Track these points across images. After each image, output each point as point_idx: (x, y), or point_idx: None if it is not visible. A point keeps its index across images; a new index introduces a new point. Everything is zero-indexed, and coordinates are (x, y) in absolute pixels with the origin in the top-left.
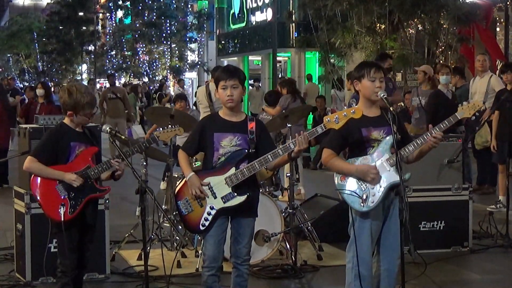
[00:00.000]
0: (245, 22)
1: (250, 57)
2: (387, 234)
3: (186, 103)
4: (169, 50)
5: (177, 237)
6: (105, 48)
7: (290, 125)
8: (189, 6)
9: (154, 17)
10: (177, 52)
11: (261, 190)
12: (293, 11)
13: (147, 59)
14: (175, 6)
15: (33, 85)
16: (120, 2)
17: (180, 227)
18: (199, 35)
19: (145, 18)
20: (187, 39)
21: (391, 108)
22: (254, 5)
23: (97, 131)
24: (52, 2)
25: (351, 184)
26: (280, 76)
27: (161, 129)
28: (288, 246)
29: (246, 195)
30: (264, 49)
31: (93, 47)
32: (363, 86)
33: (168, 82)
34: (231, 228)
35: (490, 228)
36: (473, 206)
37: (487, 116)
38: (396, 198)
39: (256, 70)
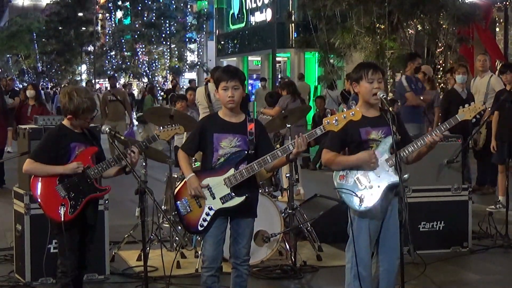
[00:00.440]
0: (244, 22)
1: (250, 58)
2: (386, 234)
3: (186, 103)
4: (168, 50)
5: (176, 238)
6: (104, 49)
7: (289, 125)
8: (189, 6)
9: (154, 18)
10: (176, 52)
11: (260, 191)
12: (293, 11)
13: (147, 59)
14: (174, 6)
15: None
16: (120, 3)
17: (179, 227)
18: (198, 36)
19: (145, 18)
20: (187, 40)
21: (390, 109)
22: (254, 5)
23: (96, 132)
24: (51, 2)
25: (350, 184)
26: (280, 76)
27: (161, 128)
28: (287, 246)
29: (245, 196)
30: (263, 50)
31: (92, 48)
32: (361, 88)
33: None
34: (230, 228)
35: (489, 229)
36: (473, 206)
37: (487, 116)
38: (394, 198)
39: (256, 71)
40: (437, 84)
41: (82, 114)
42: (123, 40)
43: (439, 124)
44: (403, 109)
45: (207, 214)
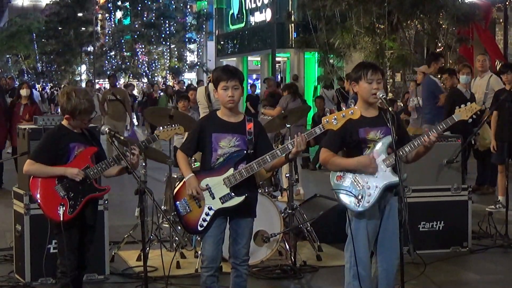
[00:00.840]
0: (244, 22)
1: (249, 58)
2: (384, 234)
3: (189, 103)
4: (168, 50)
5: (176, 238)
6: (104, 49)
7: (289, 125)
8: (188, 6)
9: (153, 18)
10: (176, 52)
11: (260, 191)
12: (292, 11)
13: (146, 59)
14: (174, 6)
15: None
16: (119, 3)
17: (179, 227)
18: (198, 36)
19: (144, 18)
20: (186, 40)
21: (390, 108)
22: (253, 5)
23: (96, 132)
24: (51, 2)
25: (347, 184)
26: (279, 76)
27: (161, 128)
28: (287, 246)
29: (244, 196)
30: (263, 50)
31: (92, 48)
32: (361, 88)
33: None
34: (229, 228)
35: (489, 228)
36: (473, 206)
37: (487, 116)
38: (393, 198)
39: (255, 71)
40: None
41: (79, 115)
42: (122, 41)
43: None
44: (435, 109)
45: (207, 214)
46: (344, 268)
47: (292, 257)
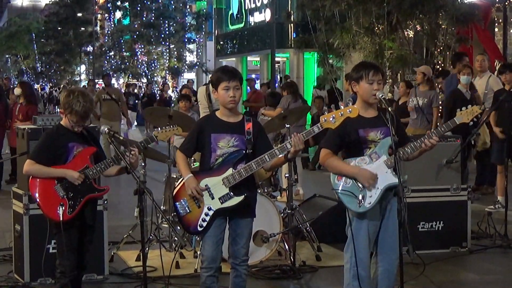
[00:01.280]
0: (243, 22)
1: (249, 58)
2: (384, 235)
3: (190, 103)
4: (167, 50)
5: (175, 238)
6: (103, 49)
7: (288, 125)
8: (188, 6)
9: (153, 18)
10: (175, 52)
11: (259, 191)
12: (292, 11)
13: (146, 60)
14: (173, 7)
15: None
16: (119, 3)
17: (178, 227)
18: (197, 36)
19: (144, 19)
20: (186, 40)
21: (389, 109)
22: (253, 5)
23: (95, 132)
24: (50, 3)
25: (348, 185)
26: (279, 77)
27: (159, 128)
28: (286, 246)
29: (243, 196)
30: (262, 50)
31: (91, 48)
32: (361, 88)
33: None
34: (229, 228)
35: (488, 229)
36: (472, 206)
37: (486, 116)
38: (393, 198)
39: (255, 71)
40: (436, 84)
41: (70, 113)
42: (122, 41)
43: (437, 124)
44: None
45: (206, 215)
46: (343, 268)
47: (292, 257)
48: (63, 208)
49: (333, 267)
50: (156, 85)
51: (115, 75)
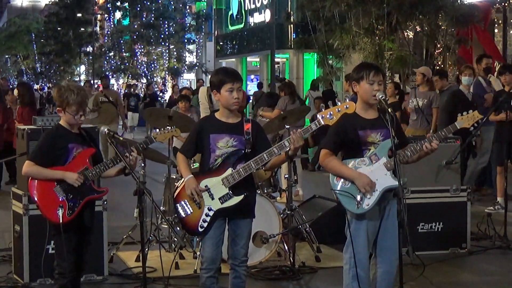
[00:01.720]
0: (243, 23)
1: (248, 59)
2: (384, 235)
3: (190, 104)
4: (167, 51)
5: (175, 239)
6: (103, 49)
7: (288, 126)
8: (187, 7)
9: (152, 19)
10: (175, 53)
11: (259, 192)
12: (291, 12)
13: (145, 60)
14: (173, 7)
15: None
16: (118, 3)
17: (178, 228)
18: (197, 37)
19: (143, 19)
20: (185, 40)
21: (389, 110)
22: (253, 6)
23: (94, 133)
24: (50, 3)
25: (347, 186)
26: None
27: (157, 130)
28: (286, 247)
29: (243, 195)
30: (262, 50)
31: (91, 48)
32: (361, 88)
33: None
34: (228, 229)
35: (488, 230)
36: (471, 207)
37: (485, 118)
38: (392, 199)
39: (255, 72)
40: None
41: (68, 105)
42: (121, 41)
43: (437, 125)
44: (481, 110)
45: (207, 215)
46: (342, 269)
47: (291, 258)
48: (63, 210)
49: (332, 268)
50: (156, 86)
51: (114, 75)
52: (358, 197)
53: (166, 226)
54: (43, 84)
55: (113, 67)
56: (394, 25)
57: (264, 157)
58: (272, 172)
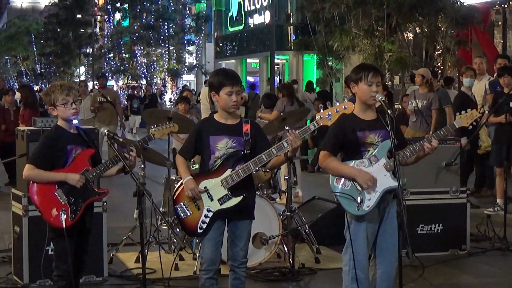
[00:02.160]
0: (243, 24)
1: (248, 60)
2: (383, 237)
3: (189, 106)
4: (167, 52)
5: (175, 240)
6: (103, 51)
7: (288, 128)
8: (187, 8)
9: (152, 20)
10: (175, 54)
11: (259, 193)
12: (291, 13)
13: (145, 61)
14: (173, 8)
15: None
16: (118, 5)
17: (177, 229)
18: (197, 38)
19: (143, 20)
20: (185, 42)
21: (389, 111)
22: (252, 7)
23: (94, 133)
24: (50, 4)
25: (347, 187)
26: (278, 79)
27: (155, 126)
28: (285, 249)
29: (242, 196)
30: (262, 52)
31: (91, 50)
32: (360, 90)
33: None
34: (228, 230)
35: (488, 231)
36: (471, 209)
37: (485, 119)
38: (392, 200)
39: (254, 73)
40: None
41: (56, 100)
42: (121, 42)
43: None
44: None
45: (206, 216)
46: (342, 271)
47: (291, 260)
48: (65, 214)
49: (332, 269)
50: (155, 87)
51: (114, 76)
52: (359, 199)
53: (165, 228)
54: (42, 85)
55: (112, 68)
56: (393, 26)
57: (263, 158)
58: (271, 174)
